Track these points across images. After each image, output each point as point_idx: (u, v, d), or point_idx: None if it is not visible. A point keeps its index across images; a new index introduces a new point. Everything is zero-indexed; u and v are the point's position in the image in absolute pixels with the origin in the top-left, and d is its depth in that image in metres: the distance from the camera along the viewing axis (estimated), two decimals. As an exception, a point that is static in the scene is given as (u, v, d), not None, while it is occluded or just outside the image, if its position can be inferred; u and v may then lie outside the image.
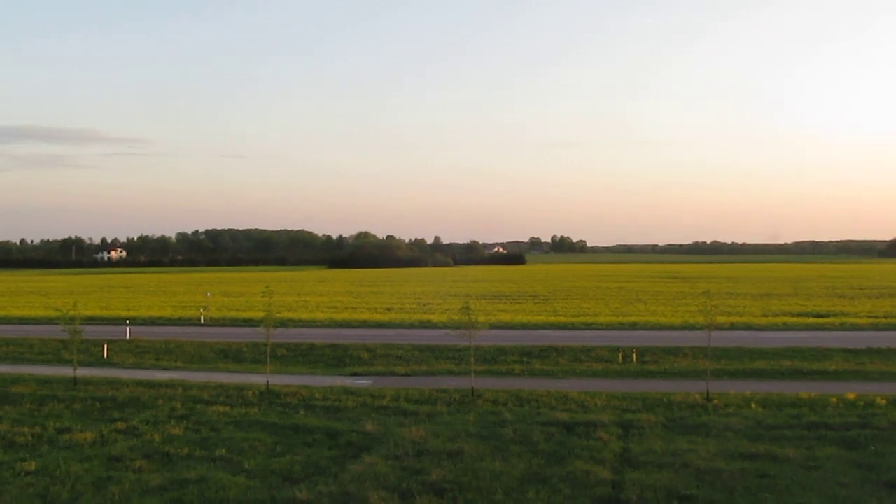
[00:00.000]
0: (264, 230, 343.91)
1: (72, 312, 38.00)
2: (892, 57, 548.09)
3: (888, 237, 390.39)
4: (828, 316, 66.48)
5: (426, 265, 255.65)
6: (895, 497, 19.42)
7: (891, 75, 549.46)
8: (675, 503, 18.93)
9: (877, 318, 64.24)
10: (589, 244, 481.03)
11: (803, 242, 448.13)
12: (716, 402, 31.02)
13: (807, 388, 34.38)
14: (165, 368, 41.73)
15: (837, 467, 22.08)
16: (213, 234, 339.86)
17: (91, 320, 60.57)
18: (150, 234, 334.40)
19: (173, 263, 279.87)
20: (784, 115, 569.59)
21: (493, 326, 53.91)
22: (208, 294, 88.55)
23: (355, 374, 39.94)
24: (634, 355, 43.05)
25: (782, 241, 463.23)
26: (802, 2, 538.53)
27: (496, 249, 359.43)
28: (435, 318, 64.88)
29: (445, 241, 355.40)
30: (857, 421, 27.59)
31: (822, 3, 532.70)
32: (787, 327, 59.07)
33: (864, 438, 25.21)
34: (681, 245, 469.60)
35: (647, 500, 19.14)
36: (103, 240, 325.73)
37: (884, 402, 30.68)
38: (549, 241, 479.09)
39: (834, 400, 31.12)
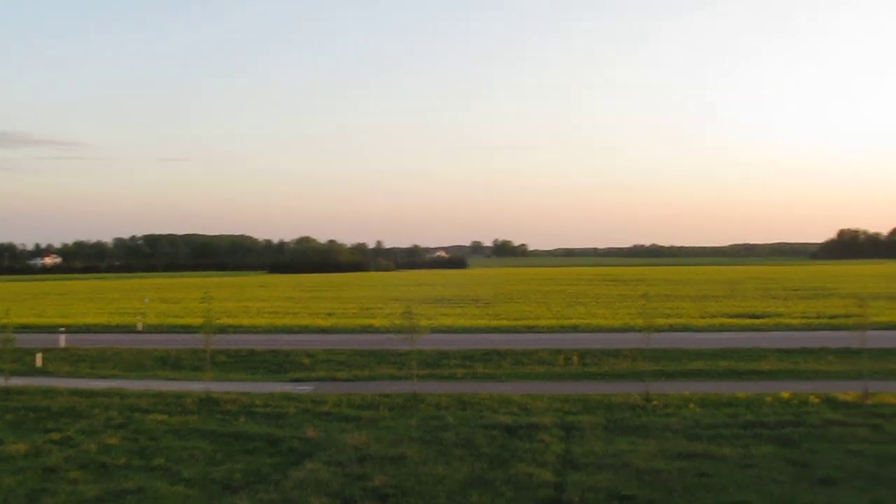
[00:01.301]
0: (204, 235, 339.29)
1: (3, 320, 36.99)
2: (821, 60, 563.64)
3: (819, 240, 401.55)
4: (762, 317, 67.90)
5: (368, 270, 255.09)
6: (828, 493, 19.90)
7: (820, 79, 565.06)
8: (616, 503, 19.13)
9: (809, 318, 65.81)
10: (530, 248, 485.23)
11: (738, 245, 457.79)
12: (655, 402, 31.46)
13: (743, 387, 35.08)
14: (102, 377, 40.83)
15: (772, 465, 22.57)
16: (151, 240, 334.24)
17: (24, 328, 59.01)
18: (85, 239, 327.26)
19: (110, 269, 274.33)
20: (718, 119, 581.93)
21: (435, 330, 53.97)
22: (146, 300, 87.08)
23: (296, 380, 39.59)
24: (576, 358, 43.46)
25: (718, 244, 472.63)
26: (729, 12, 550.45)
27: (438, 253, 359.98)
28: (377, 322, 64.66)
29: (387, 245, 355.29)
30: (792, 419, 28.22)
31: (751, 9, 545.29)
32: (723, 328, 60.19)
33: (798, 436, 25.80)
34: (621, 248, 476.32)
35: (588, 500, 19.31)
36: (37, 246, 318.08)
37: (817, 400, 31.46)
38: (490, 244, 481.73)
39: (769, 399, 31.80)
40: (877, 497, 19.51)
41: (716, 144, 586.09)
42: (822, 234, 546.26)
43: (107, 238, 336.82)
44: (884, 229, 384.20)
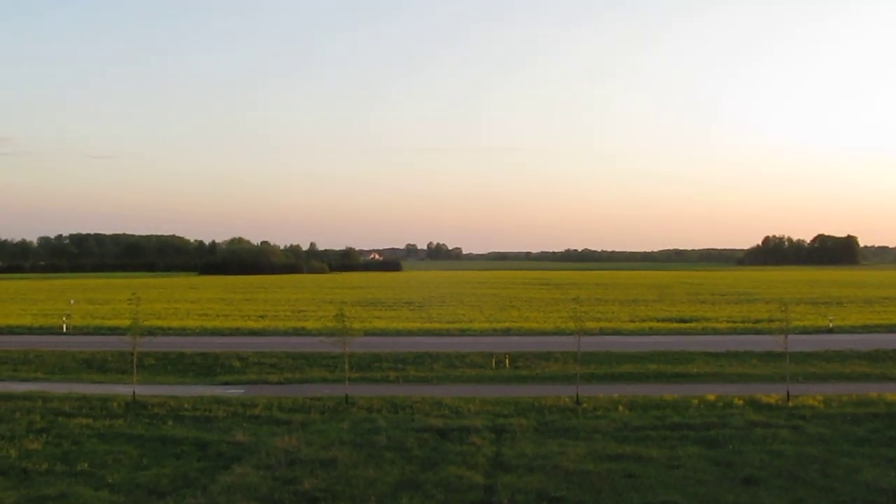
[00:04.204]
0: (133, 235, 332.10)
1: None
2: (753, 71, 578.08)
3: (746, 246, 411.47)
4: (690, 321, 69.24)
5: (302, 272, 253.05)
6: (750, 493, 20.41)
7: (747, 89, 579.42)
8: (546, 505, 19.32)
9: (735, 322, 67.34)
10: (464, 251, 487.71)
11: (668, 251, 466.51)
12: (585, 405, 31.84)
13: (671, 390, 35.73)
14: (24, 380, 39.64)
15: (698, 465, 23.06)
16: (77, 239, 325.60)
17: (-59, 330, 57.08)
18: (8, 238, 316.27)
19: (34, 269, 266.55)
20: (645, 129, 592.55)
21: (368, 333, 53.79)
22: (72, 301, 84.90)
23: (227, 383, 39.01)
24: (507, 361, 43.72)
25: (649, 249, 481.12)
26: (653, 12, 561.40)
27: (372, 256, 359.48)
28: (309, 325, 64.16)
29: (321, 247, 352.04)
30: (717, 421, 28.88)
31: (664, 13, 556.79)
32: (652, 332, 61.16)
33: (723, 437, 26.42)
34: (553, 252, 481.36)
35: (518, 502, 19.48)
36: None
37: (741, 402, 32.22)
38: (425, 248, 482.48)
39: (695, 401, 32.45)
40: (797, 496, 20.09)
41: (645, 153, 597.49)
42: (749, 240, 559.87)
43: (31, 237, 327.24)
44: (807, 237, 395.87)
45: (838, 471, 22.34)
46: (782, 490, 20.64)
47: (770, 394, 33.78)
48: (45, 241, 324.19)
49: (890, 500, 19.65)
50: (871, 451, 24.58)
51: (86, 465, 23.13)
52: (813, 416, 29.70)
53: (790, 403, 31.97)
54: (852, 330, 60.61)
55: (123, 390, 35.04)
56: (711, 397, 33.20)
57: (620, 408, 31.45)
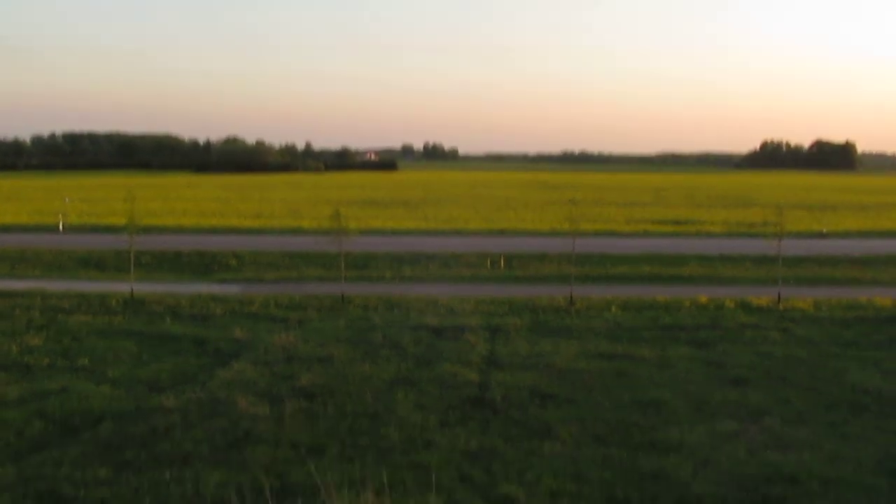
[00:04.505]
0: (126, 134, 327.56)
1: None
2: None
3: (744, 150, 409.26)
4: (686, 224, 69.45)
5: (297, 171, 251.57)
6: (739, 392, 20.85)
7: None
8: (538, 401, 19.73)
9: (730, 226, 67.57)
10: (461, 152, 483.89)
11: (666, 154, 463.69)
12: (579, 305, 32.23)
13: (664, 291, 36.10)
14: (22, 277, 39.87)
15: (688, 366, 23.51)
16: (71, 138, 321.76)
17: (-63, 227, 57.09)
18: (1, 136, 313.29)
19: (28, 168, 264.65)
20: (645, 29, 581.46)
21: (364, 233, 53.83)
22: (67, 200, 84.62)
23: (224, 281, 39.32)
24: (502, 261, 44.00)
25: (646, 152, 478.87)
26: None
27: (368, 156, 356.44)
28: (305, 224, 64.18)
29: (317, 146, 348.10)
30: (708, 322, 29.33)
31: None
32: (647, 234, 61.42)
33: (714, 339, 26.86)
34: (551, 154, 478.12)
35: (511, 399, 19.88)
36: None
37: (732, 304, 32.63)
38: (421, 148, 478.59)
39: (687, 303, 32.86)
40: (784, 396, 20.53)
41: (644, 53, 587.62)
42: (747, 145, 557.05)
43: (24, 135, 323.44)
44: (805, 142, 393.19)
45: (825, 372, 22.79)
46: (770, 390, 21.08)
47: (761, 297, 34.17)
48: (38, 139, 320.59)
49: (874, 401, 20.08)
50: (858, 354, 25.03)
51: (86, 360, 23.48)
52: (802, 319, 30.13)
53: (781, 306, 32.38)
54: (846, 235, 60.95)
55: (121, 288, 35.30)
56: (704, 299, 33.59)
57: (614, 308, 31.84)
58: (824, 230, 61.55)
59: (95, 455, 15.95)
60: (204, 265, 44.05)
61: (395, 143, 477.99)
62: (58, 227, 63.09)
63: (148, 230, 48.06)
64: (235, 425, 17.59)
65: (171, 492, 14.13)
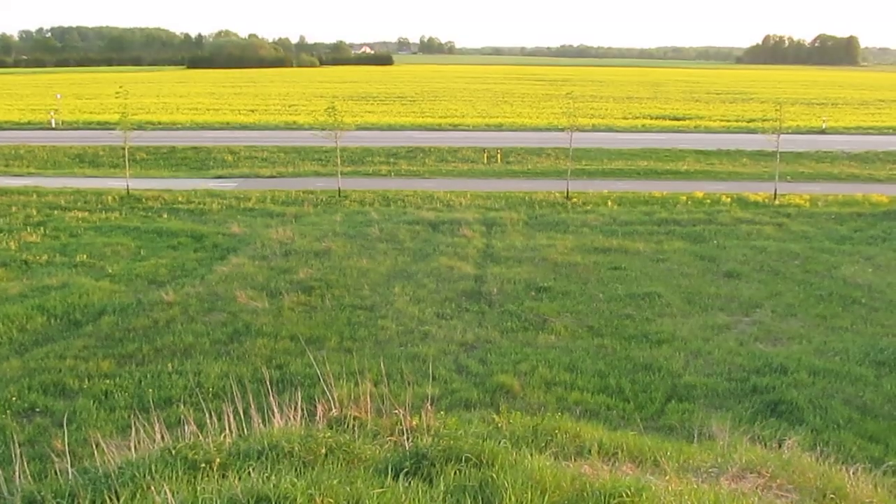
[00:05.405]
0: (116, 27, 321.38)
1: None
2: None
3: (745, 44, 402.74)
4: (684, 119, 68.85)
5: (291, 65, 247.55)
6: (731, 285, 21.13)
7: None
8: (533, 294, 20.00)
9: (728, 121, 66.98)
10: (458, 45, 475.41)
11: (665, 47, 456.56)
12: (574, 200, 32.29)
13: (660, 187, 36.11)
14: (16, 175, 39.68)
15: (683, 259, 23.74)
16: (59, 32, 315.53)
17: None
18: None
19: (17, 64, 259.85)
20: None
21: (359, 128, 53.45)
22: (58, 96, 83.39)
23: (219, 177, 39.18)
24: (499, 156, 43.83)
25: (646, 46, 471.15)
26: None
27: (363, 50, 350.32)
28: (301, 119, 63.59)
29: (311, 40, 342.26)
30: (704, 217, 29.45)
31: None
32: (645, 129, 60.95)
33: (709, 233, 27.04)
34: (549, 48, 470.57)
35: (506, 292, 20.15)
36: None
37: (728, 199, 32.70)
38: (417, 42, 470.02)
39: (684, 198, 32.91)
40: (776, 289, 20.82)
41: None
42: (749, 39, 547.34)
43: (11, 30, 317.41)
44: (808, 36, 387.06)
45: (818, 266, 23.03)
46: (762, 283, 21.35)
47: (758, 192, 34.20)
48: (26, 34, 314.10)
49: (865, 295, 20.35)
50: (851, 249, 25.25)
51: (85, 256, 23.63)
52: (798, 215, 30.26)
53: (777, 202, 32.46)
54: (845, 131, 60.45)
55: (117, 184, 35.19)
56: (700, 194, 33.63)
57: (609, 203, 31.92)
58: (824, 126, 61.08)
59: (98, 348, 16.26)
60: (199, 161, 43.83)
61: (391, 36, 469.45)
62: (50, 123, 62.47)
63: (142, 126, 47.66)
64: (235, 318, 17.86)
65: (172, 383, 14.45)
